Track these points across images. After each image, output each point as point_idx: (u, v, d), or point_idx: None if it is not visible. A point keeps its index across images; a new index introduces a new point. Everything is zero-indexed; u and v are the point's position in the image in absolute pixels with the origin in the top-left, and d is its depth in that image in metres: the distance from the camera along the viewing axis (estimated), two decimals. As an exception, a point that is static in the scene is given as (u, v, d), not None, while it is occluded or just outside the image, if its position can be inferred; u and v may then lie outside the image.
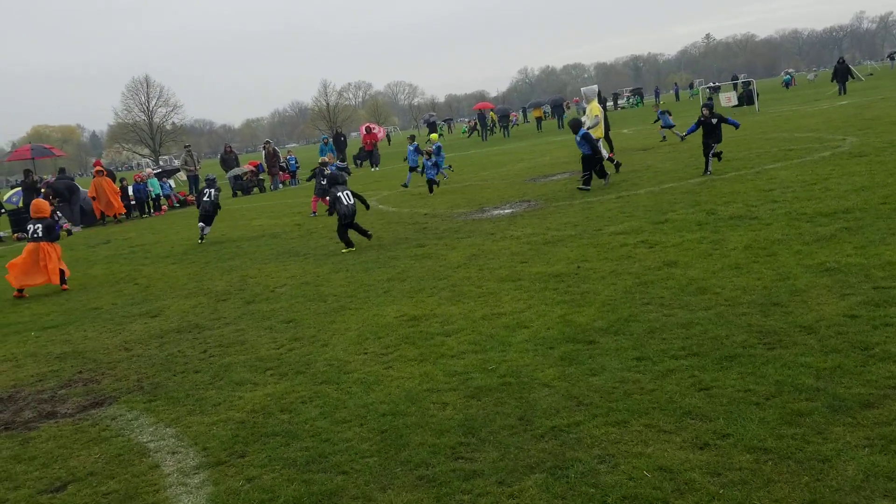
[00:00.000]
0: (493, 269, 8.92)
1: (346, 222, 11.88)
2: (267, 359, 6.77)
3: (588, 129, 16.85)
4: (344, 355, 6.52)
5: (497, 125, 50.65)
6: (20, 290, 11.92)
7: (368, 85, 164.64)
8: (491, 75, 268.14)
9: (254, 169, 29.66)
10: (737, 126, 14.85)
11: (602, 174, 14.80)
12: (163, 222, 22.15)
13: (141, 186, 25.52)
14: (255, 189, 28.83)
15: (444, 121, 61.83)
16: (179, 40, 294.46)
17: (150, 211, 25.70)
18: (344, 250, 11.77)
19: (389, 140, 63.74)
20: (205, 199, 15.54)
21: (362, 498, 4.01)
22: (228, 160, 32.02)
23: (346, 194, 11.90)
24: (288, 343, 7.18)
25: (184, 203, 27.87)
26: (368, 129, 35.99)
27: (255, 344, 7.33)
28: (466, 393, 5.24)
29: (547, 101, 57.17)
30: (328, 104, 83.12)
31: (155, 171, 29.24)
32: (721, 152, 14.76)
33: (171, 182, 31.32)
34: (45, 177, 30.54)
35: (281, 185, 29.81)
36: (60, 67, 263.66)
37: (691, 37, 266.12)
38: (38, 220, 12.40)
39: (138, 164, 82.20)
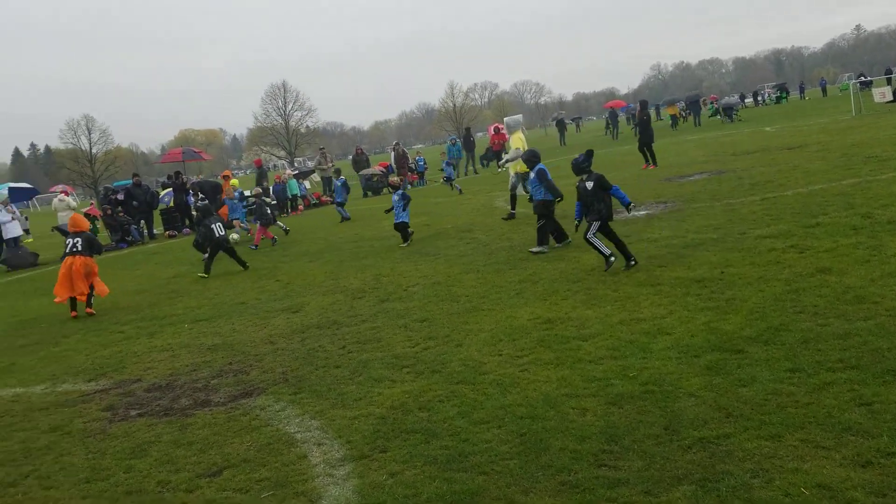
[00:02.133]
0: (629, 273, 8.71)
1: (221, 249, 13.98)
2: (403, 357, 6.90)
3: (507, 161, 15.31)
4: (478, 356, 6.55)
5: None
6: (73, 308, 11.67)
7: (494, 85, 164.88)
8: (621, 72, 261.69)
9: (384, 170, 30.41)
10: (627, 204, 9.33)
11: (542, 238, 10.96)
12: (299, 222, 23.07)
13: (280, 187, 26.75)
14: (385, 189, 29.54)
15: (573, 119, 61.06)
16: (312, 46, 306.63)
17: (287, 211, 26.88)
18: (201, 274, 13.81)
19: (516, 140, 63.60)
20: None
21: (504, 500, 4.02)
22: (360, 161, 32.98)
23: (218, 226, 13.98)
24: (423, 342, 7.29)
25: (318, 203, 28.98)
26: (497, 130, 35.95)
27: (390, 342, 7.49)
28: (607, 399, 5.13)
29: (682, 98, 55.33)
30: (455, 105, 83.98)
31: (294, 173, 30.54)
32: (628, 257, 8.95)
33: (307, 183, 32.63)
34: (196, 176, 32.54)
35: (409, 186, 30.39)
36: (204, 74, 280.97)
37: (839, 28, 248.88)
38: (77, 234, 12.04)
39: (274, 166, 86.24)
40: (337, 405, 5.89)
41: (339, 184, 21.69)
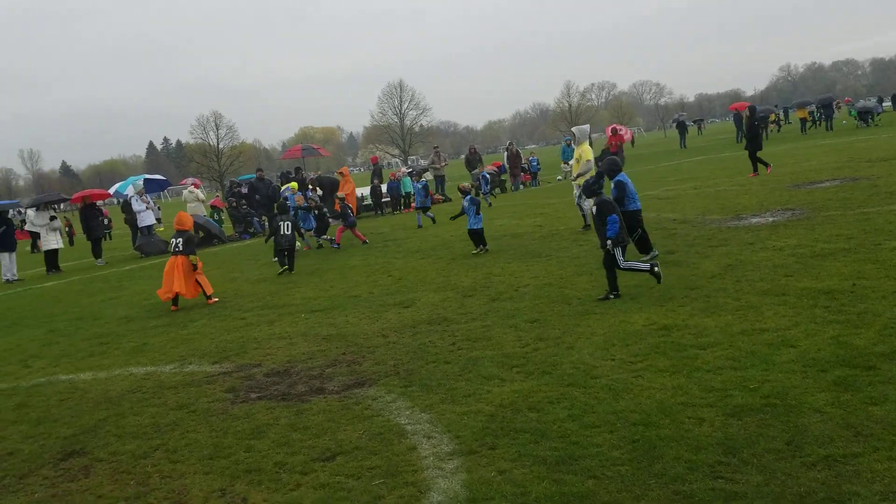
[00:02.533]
0: (752, 282, 8.35)
1: (282, 249, 14.40)
2: (513, 356, 6.89)
3: (580, 174, 14.37)
4: (590, 360, 6.46)
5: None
6: (174, 303, 11.98)
7: (612, 85, 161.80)
8: (747, 73, 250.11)
9: (496, 170, 30.43)
10: (607, 238, 8.58)
11: (644, 247, 10.37)
12: (412, 219, 23.43)
13: (395, 184, 27.29)
14: (497, 189, 29.55)
15: (695, 121, 59.14)
16: (429, 46, 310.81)
17: (400, 208, 27.38)
18: (279, 272, 14.28)
19: (633, 142, 62.32)
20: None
21: (615, 506, 3.95)
22: (473, 160, 33.16)
23: (287, 225, 14.43)
24: (533, 342, 7.25)
25: (431, 201, 29.34)
26: (615, 131, 35.25)
27: (500, 340, 7.50)
28: (725, 411, 4.95)
29: (813, 100, 52.41)
30: (570, 105, 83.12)
31: (408, 171, 31.05)
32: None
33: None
34: (314, 172, 33.68)
35: (522, 186, 30.31)
36: (324, 73, 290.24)
37: None
38: (180, 233, 12.28)
39: (388, 164, 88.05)
40: (446, 400, 5.95)
41: (420, 186, 20.24)
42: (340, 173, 22.88)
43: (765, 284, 8.14)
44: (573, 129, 15.99)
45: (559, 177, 33.04)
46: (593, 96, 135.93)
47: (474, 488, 4.33)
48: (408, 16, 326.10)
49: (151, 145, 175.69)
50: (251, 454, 5.39)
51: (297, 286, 12.69)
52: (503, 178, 30.23)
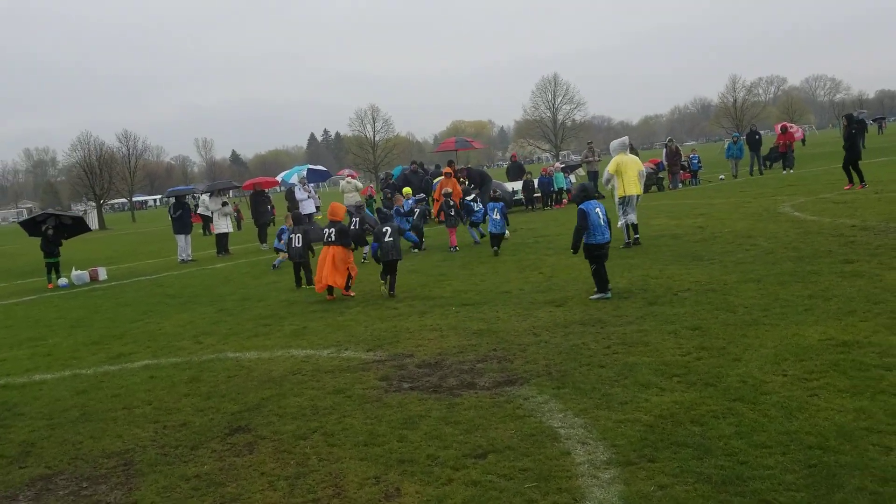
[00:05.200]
0: (947, 298, 7.53)
1: (294, 261, 13.66)
2: (672, 364, 6.58)
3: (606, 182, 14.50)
4: (759, 374, 6.04)
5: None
6: (329, 292, 12.14)
7: (782, 80, 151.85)
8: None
9: (654, 167, 29.41)
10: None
11: (598, 284, 9.79)
12: (564, 215, 23.10)
13: (547, 180, 26.99)
14: (654, 187, 28.57)
15: (875, 120, 54.40)
16: (580, 39, 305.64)
17: (551, 204, 27.05)
18: (305, 287, 13.50)
19: (804, 141, 58.28)
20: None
21: (789, 537, 3.64)
22: (629, 157, 32.23)
23: (298, 237, 13.49)
24: (695, 351, 6.89)
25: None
26: (784, 129, 33.12)
27: (658, 347, 7.18)
28: (918, 441, 4.46)
29: None
30: (735, 100, 79.07)
31: (561, 166, 30.64)
32: None
33: (573, 177, 32.54)
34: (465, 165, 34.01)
35: (681, 185, 29.14)
36: (475, 68, 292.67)
37: None
38: (333, 223, 12.30)
39: (539, 158, 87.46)
40: (601, 406, 5.76)
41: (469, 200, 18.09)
42: (447, 173, 21.39)
43: (963, 302, 7.32)
44: (611, 143, 15.11)
45: (721, 176, 31.47)
46: (760, 91, 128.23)
47: (632, 501, 4.15)
48: (562, 6, 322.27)
49: (312, 136, 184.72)
50: (404, 444, 5.46)
51: (448, 279, 12.80)
52: (661, 175, 29.13)
